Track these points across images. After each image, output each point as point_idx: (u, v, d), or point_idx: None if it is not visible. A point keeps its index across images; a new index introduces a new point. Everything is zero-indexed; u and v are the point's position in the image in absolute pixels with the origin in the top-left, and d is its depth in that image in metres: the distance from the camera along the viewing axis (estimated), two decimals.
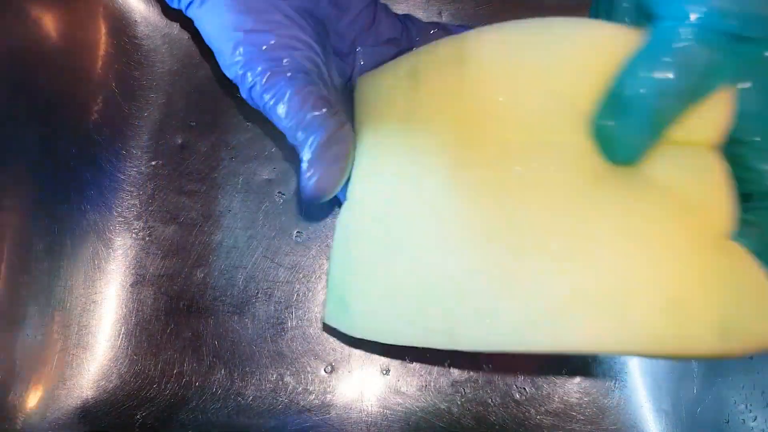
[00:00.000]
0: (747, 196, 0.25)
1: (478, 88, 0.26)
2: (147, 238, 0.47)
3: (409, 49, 0.37)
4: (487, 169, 0.26)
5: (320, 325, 0.47)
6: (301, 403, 0.45)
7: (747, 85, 0.24)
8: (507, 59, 0.25)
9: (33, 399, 0.44)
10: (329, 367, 0.46)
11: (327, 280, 0.40)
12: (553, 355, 0.26)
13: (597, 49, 0.25)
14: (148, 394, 0.45)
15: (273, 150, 0.49)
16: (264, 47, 0.32)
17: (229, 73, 0.34)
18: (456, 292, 0.26)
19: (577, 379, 0.46)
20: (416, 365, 0.46)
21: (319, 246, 0.48)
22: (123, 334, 0.46)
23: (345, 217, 0.34)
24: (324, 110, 0.31)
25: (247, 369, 0.46)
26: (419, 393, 0.46)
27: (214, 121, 0.49)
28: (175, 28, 0.51)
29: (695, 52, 0.23)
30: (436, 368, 0.46)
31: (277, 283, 0.47)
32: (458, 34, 0.29)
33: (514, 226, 0.24)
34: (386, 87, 0.32)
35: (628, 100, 0.24)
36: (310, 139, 0.31)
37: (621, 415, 0.46)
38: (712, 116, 0.24)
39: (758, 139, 0.24)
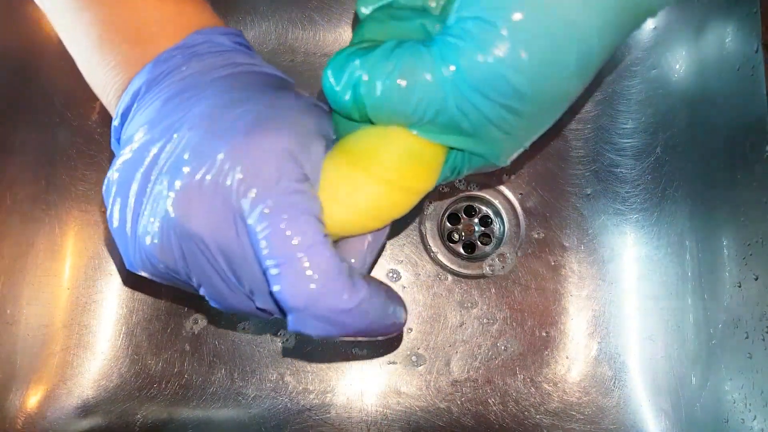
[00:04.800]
0: None
1: None
2: None
3: None
4: None
5: None
6: (302, 402, 0.45)
7: None
8: None
9: (33, 399, 0.44)
10: (330, 367, 0.46)
11: None
12: None
13: None
14: (149, 393, 0.45)
15: None
16: None
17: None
18: None
19: (577, 379, 0.46)
20: (417, 361, 0.46)
21: None
22: (123, 333, 0.46)
23: None
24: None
25: (248, 368, 0.46)
26: (419, 393, 0.46)
27: None
28: None
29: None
30: (436, 368, 0.46)
31: None
32: None
33: None
34: None
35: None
36: None
37: (621, 415, 0.46)
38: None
39: None
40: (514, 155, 0.28)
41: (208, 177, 0.24)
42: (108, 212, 0.27)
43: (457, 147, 0.27)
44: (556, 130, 0.50)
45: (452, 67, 0.23)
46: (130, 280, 0.47)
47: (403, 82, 0.24)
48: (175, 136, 0.26)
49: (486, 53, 0.23)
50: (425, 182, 0.28)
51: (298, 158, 0.25)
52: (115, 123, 0.29)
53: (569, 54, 0.23)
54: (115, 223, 0.27)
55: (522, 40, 0.22)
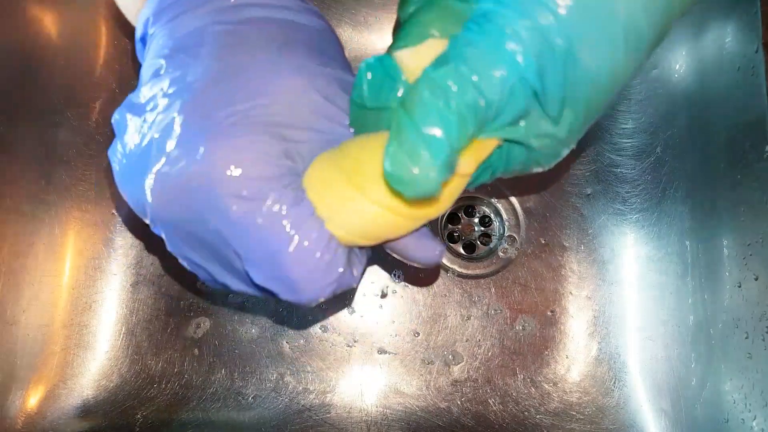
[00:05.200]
0: None
1: None
2: (147, 238, 0.47)
3: None
4: None
5: (320, 324, 0.47)
6: (302, 402, 0.45)
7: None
8: None
9: (33, 399, 0.44)
10: (330, 367, 0.46)
11: None
12: None
13: None
14: (149, 393, 0.45)
15: None
16: None
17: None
18: None
19: (577, 379, 0.46)
20: (417, 361, 0.46)
21: None
22: (123, 333, 0.46)
23: None
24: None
25: (248, 368, 0.46)
26: (419, 393, 0.46)
27: None
28: None
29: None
30: (436, 368, 0.46)
31: None
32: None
33: None
34: None
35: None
36: None
37: (621, 415, 0.46)
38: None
39: None
40: (561, 156, 0.26)
41: (187, 170, 0.24)
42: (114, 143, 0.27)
43: (516, 138, 0.24)
44: None
45: (520, 57, 0.21)
46: (131, 280, 0.47)
47: (476, 78, 0.21)
48: (165, 105, 0.25)
49: (533, 19, 0.21)
50: (432, 210, 0.26)
51: (284, 153, 0.24)
52: (138, 48, 0.29)
53: (616, 22, 0.21)
54: (116, 155, 0.27)
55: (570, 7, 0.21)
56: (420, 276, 0.48)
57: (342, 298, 0.47)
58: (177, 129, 0.24)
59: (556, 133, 0.24)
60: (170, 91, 0.25)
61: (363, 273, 0.28)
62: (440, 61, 0.22)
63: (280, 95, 0.25)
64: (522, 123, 0.23)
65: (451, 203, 0.26)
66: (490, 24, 0.21)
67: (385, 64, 0.24)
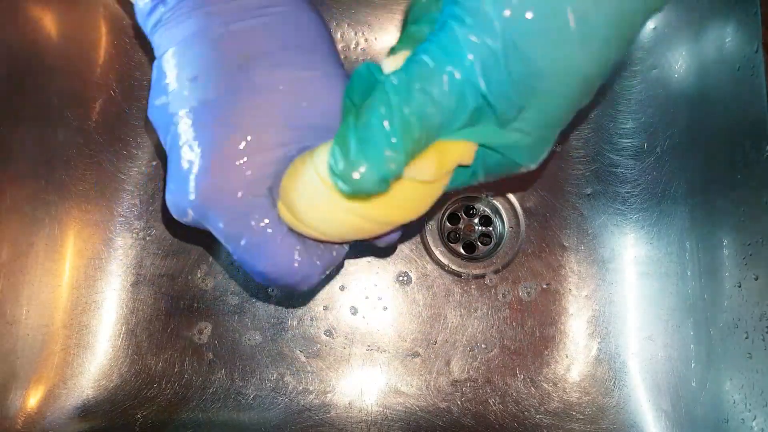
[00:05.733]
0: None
1: None
2: (147, 238, 0.47)
3: None
4: None
5: (321, 325, 0.47)
6: (302, 402, 0.45)
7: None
8: None
9: (33, 399, 0.44)
10: (330, 367, 0.46)
11: None
12: None
13: None
14: (149, 393, 0.45)
15: None
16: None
17: None
18: None
19: (577, 379, 0.46)
20: (417, 361, 0.46)
21: None
22: (124, 333, 0.46)
23: None
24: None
25: (248, 368, 0.46)
26: (419, 392, 0.46)
27: None
28: None
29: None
30: (436, 368, 0.46)
31: None
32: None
33: None
34: None
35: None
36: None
37: (621, 415, 0.46)
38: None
39: None
40: (543, 155, 0.27)
41: (180, 200, 0.28)
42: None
43: (487, 143, 0.26)
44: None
45: (469, 56, 0.23)
46: (131, 280, 0.47)
47: (434, 92, 0.23)
48: (164, 133, 0.29)
49: (476, 26, 0.22)
50: (405, 217, 0.27)
51: (249, 176, 0.27)
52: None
53: (562, 15, 0.22)
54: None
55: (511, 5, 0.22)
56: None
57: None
58: (172, 163, 0.29)
59: (521, 130, 0.25)
60: (163, 120, 0.29)
61: (346, 249, 0.32)
62: (394, 72, 0.24)
63: (243, 121, 0.28)
64: (480, 125, 0.25)
65: (422, 209, 0.28)
66: (439, 34, 0.23)
67: (372, 70, 0.26)
